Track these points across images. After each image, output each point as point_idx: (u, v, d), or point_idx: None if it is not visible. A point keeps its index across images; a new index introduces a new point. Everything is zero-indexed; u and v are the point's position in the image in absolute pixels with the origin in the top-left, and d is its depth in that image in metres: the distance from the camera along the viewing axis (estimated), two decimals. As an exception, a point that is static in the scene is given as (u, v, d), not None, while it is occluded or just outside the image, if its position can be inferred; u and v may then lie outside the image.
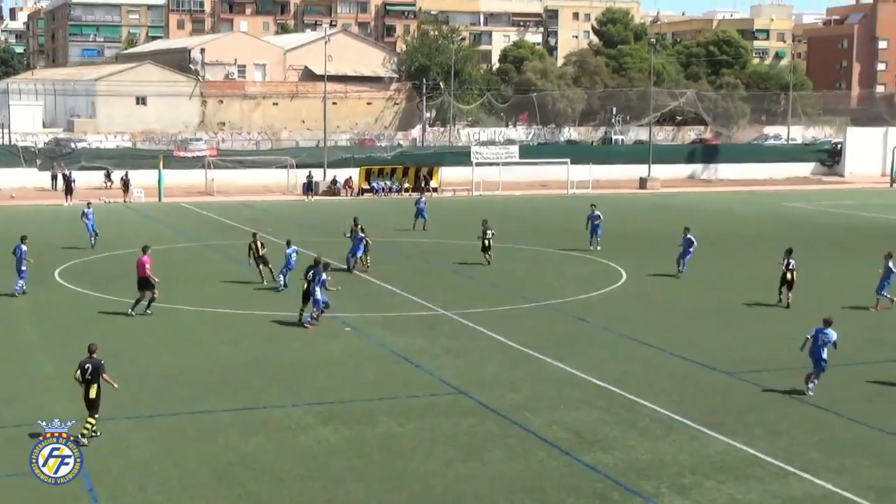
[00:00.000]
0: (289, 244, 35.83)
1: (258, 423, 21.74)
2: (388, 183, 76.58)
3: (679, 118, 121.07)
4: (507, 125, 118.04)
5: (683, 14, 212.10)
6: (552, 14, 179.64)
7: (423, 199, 57.09)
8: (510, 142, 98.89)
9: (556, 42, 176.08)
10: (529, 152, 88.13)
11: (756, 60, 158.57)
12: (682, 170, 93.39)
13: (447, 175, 78.98)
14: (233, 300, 34.61)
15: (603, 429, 21.65)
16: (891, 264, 35.31)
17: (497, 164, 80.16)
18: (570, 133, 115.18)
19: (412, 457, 19.92)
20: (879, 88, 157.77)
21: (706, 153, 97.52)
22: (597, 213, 47.43)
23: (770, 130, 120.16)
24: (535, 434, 21.27)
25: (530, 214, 63.39)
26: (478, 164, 78.49)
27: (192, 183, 75.44)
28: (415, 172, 77.45)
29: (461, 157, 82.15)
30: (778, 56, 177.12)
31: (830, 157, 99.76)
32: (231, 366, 26.43)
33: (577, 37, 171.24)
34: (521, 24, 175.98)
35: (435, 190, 76.19)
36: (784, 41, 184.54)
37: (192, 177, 76.28)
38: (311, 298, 30.35)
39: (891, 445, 21.03)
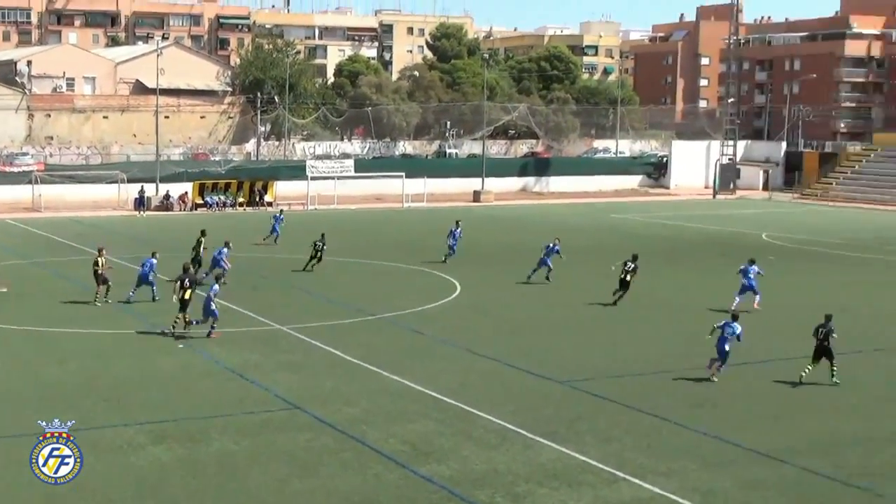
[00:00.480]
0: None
1: (87, 445, 21.00)
2: (223, 197, 75.58)
3: (512, 132, 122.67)
4: (342, 139, 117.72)
5: (515, 30, 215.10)
6: (387, 29, 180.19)
7: (282, 215, 56.23)
8: (345, 156, 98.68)
9: (391, 56, 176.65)
10: (365, 166, 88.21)
11: (586, 76, 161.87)
12: (515, 183, 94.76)
13: (282, 189, 78.38)
14: (61, 319, 33.62)
15: (439, 440, 21.73)
16: (751, 272, 36.82)
17: (332, 177, 79.97)
18: (405, 147, 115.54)
19: (248, 474, 19.65)
20: (702, 103, 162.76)
21: (538, 166, 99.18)
22: (458, 230, 47.68)
23: (599, 144, 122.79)
24: (371, 447, 21.21)
25: (366, 228, 63.38)
26: (313, 178, 78.16)
27: (17, 199, 73.06)
28: (249, 187, 76.64)
29: (296, 171, 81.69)
30: (606, 71, 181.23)
31: (657, 170, 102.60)
32: (58, 386, 25.64)
33: (411, 51, 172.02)
34: (356, 38, 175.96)
35: (270, 204, 75.51)
36: (612, 57, 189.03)
37: (17, 192, 73.90)
38: (206, 310, 30.28)
39: (715, 448, 21.66)
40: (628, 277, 36.88)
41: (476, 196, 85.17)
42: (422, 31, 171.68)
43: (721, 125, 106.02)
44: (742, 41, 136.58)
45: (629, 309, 36.50)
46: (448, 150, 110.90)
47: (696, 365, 28.60)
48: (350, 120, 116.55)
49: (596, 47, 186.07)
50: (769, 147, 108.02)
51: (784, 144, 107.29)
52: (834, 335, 26.46)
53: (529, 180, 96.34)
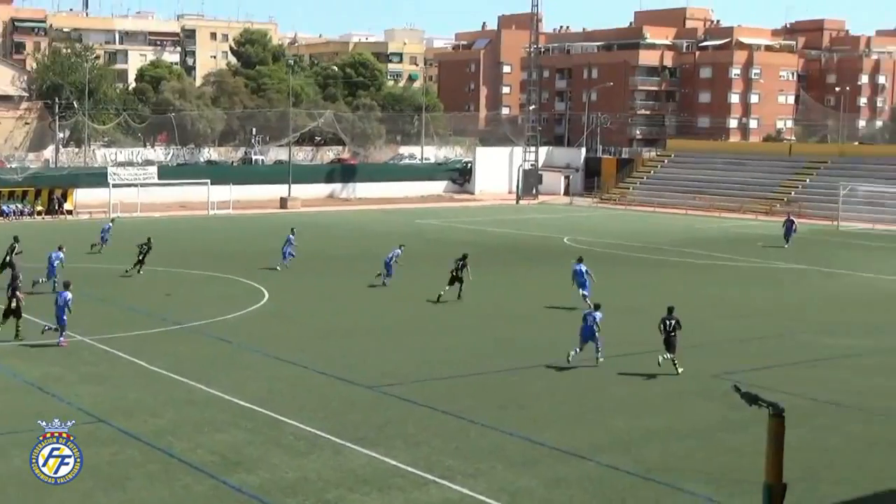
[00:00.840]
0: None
1: None
2: (20, 206, 73.02)
3: (318, 138, 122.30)
4: (145, 145, 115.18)
5: (321, 36, 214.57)
6: (189, 34, 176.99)
7: (110, 224, 55.20)
8: (148, 162, 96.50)
9: (195, 62, 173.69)
10: (169, 173, 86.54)
11: (391, 83, 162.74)
12: (322, 189, 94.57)
13: (83, 197, 76.23)
14: None
15: (247, 449, 21.51)
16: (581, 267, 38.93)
17: (135, 185, 78.17)
18: (210, 153, 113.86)
19: (51, 491, 18.97)
20: (505, 110, 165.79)
21: (345, 173, 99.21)
22: (292, 237, 48.19)
23: (405, 150, 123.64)
24: (178, 459, 20.84)
25: (170, 236, 62.14)
26: (115, 186, 76.24)
27: None
28: (48, 194, 74.25)
29: (97, 178, 79.54)
30: (411, 78, 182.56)
31: (461, 176, 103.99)
32: None
33: (215, 57, 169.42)
34: (158, 43, 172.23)
35: (70, 212, 73.30)
36: (417, 64, 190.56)
37: None
38: (60, 318, 30.69)
39: (521, 448, 22.09)
40: (459, 273, 39.66)
41: (283, 203, 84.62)
42: (225, 37, 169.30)
43: (523, 132, 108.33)
44: (542, 50, 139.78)
45: (436, 313, 36.94)
46: (254, 157, 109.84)
47: (502, 367, 29.14)
48: (153, 126, 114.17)
49: (401, 54, 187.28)
50: (570, 153, 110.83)
51: (584, 150, 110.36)
52: (680, 327, 28.91)
53: (336, 187, 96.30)
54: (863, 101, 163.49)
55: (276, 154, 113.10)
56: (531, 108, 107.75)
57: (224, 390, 25.89)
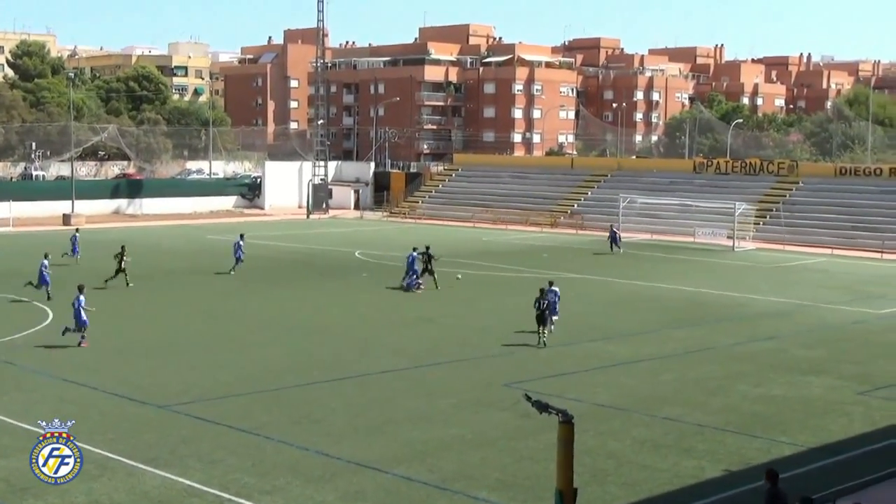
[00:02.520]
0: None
1: None
2: None
3: (102, 153, 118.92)
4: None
5: (102, 49, 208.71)
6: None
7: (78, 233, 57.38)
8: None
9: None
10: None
11: (176, 96, 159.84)
12: (107, 205, 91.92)
13: None
14: None
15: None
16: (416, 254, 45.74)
17: None
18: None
19: None
20: (293, 125, 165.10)
21: (131, 188, 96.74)
22: (242, 242, 51.69)
23: (193, 165, 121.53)
24: (-39, 488, 19.95)
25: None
26: None
27: None
28: None
29: None
30: (197, 92, 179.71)
31: (251, 191, 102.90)
32: None
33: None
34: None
35: None
36: (202, 78, 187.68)
37: None
38: (78, 320, 32.78)
39: (317, 463, 22.00)
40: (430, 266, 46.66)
41: (66, 219, 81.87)
42: (1, 49, 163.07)
43: (312, 146, 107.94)
44: (329, 65, 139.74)
45: (230, 330, 36.47)
46: (34, 173, 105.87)
47: (297, 382, 28.99)
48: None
49: (185, 68, 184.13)
50: (359, 167, 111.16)
51: (372, 165, 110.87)
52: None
53: (122, 202, 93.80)
54: (639, 116, 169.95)
55: (57, 169, 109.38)
56: (319, 122, 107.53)
57: (9, 414, 24.89)
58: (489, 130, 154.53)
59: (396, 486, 20.72)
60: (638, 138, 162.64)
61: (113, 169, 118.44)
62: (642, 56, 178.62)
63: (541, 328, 34.69)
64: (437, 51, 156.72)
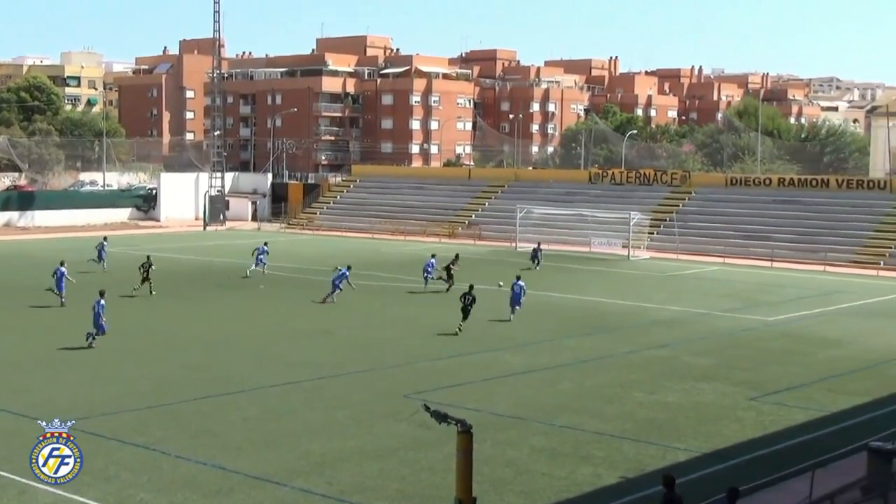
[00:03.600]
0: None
1: None
2: None
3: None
4: None
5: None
6: None
7: (106, 241, 59.71)
8: None
9: None
10: None
11: (69, 107, 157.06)
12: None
13: None
14: None
15: (-78, 496, 20.20)
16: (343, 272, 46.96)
17: None
18: None
19: None
20: (189, 136, 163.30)
21: (22, 200, 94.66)
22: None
23: (86, 177, 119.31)
24: None
25: None
26: None
27: None
28: None
29: None
30: (90, 103, 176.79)
31: (147, 203, 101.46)
32: None
33: None
34: None
35: None
36: (96, 88, 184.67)
37: None
38: (96, 323, 34.70)
39: (215, 477, 21.76)
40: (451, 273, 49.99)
41: (-46, 233, 79.94)
42: None
43: (208, 157, 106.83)
44: (225, 75, 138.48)
45: (125, 344, 35.87)
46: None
47: (193, 396, 28.62)
48: None
49: (78, 78, 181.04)
50: (256, 179, 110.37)
51: (270, 176, 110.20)
52: (475, 302, 40.12)
53: (13, 215, 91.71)
54: (535, 127, 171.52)
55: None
56: (216, 133, 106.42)
57: None
58: (387, 141, 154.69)
59: (295, 499, 20.60)
60: (534, 149, 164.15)
61: (3, 180, 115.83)
62: (538, 68, 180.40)
63: (463, 322, 39.86)
64: (335, 62, 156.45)
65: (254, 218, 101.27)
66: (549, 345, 38.30)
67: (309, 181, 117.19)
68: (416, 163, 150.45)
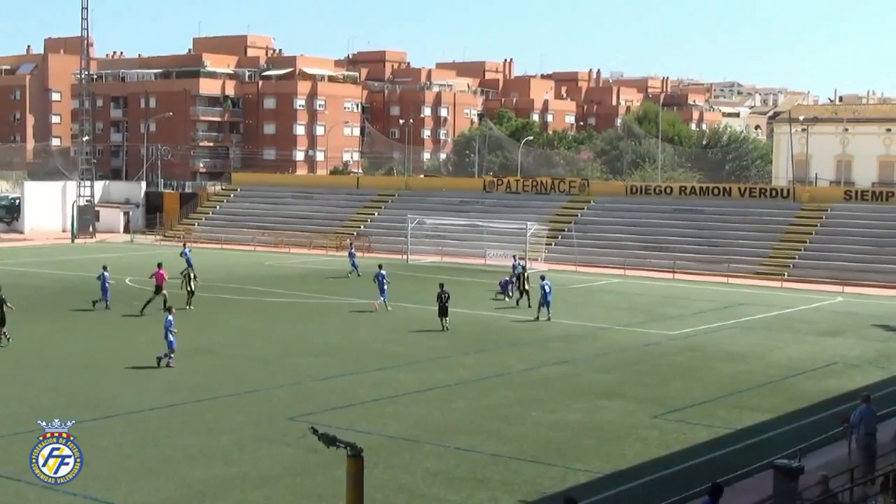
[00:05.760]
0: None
1: None
2: None
3: None
4: None
5: None
6: None
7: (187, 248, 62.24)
8: None
9: None
10: None
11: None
12: None
13: None
14: None
15: None
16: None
17: None
18: None
19: None
20: (55, 141, 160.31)
21: None
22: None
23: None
24: None
25: None
26: None
27: None
28: None
29: None
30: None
31: (9, 213, 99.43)
32: None
33: None
34: None
35: None
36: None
37: None
38: (166, 341, 35.53)
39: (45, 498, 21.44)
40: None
41: None
42: None
43: (77, 164, 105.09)
44: (94, 76, 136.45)
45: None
46: None
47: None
48: None
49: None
50: (129, 187, 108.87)
51: (144, 185, 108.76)
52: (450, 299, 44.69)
53: None
54: (426, 133, 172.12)
55: None
56: (84, 139, 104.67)
57: None
58: (270, 148, 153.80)
59: (174, 531, 20.35)
60: (426, 156, 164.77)
61: None
62: (429, 70, 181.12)
63: (443, 319, 44.85)
64: (213, 63, 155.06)
65: (126, 230, 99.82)
66: (443, 362, 38.43)
67: (186, 190, 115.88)
68: (301, 170, 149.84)
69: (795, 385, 36.03)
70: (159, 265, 50.60)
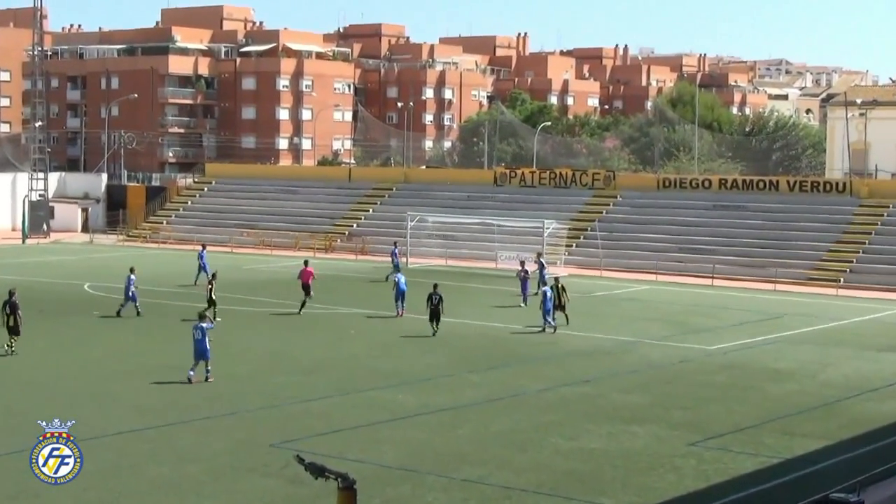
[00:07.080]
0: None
1: None
2: None
3: None
4: None
5: None
6: None
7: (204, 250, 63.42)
8: None
9: None
10: None
11: None
12: None
13: None
14: None
15: None
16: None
17: None
18: None
19: None
20: (4, 127, 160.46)
21: None
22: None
23: None
24: None
25: None
26: None
27: None
28: None
29: None
30: None
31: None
32: None
33: None
34: None
35: None
36: None
37: None
38: (201, 351, 36.33)
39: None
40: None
41: None
42: None
43: (28, 154, 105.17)
44: (49, 53, 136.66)
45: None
46: None
47: (10, 449, 28.11)
48: None
49: None
50: (88, 180, 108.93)
51: (105, 177, 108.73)
52: (443, 302, 46.56)
53: None
54: (429, 118, 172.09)
55: None
56: (37, 124, 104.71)
57: None
58: (249, 135, 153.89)
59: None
60: (428, 144, 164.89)
61: None
62: (432, 46, 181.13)
63: (433, 323, 46.51)
64: (184, 37, 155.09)
65: (84, 228, 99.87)
66: (447, 381, 38.39)
67: (153, 183, 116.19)
68: (285, 161, 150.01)
69: (853, 408, 35.94)
70: (306, 262, 55.33)
